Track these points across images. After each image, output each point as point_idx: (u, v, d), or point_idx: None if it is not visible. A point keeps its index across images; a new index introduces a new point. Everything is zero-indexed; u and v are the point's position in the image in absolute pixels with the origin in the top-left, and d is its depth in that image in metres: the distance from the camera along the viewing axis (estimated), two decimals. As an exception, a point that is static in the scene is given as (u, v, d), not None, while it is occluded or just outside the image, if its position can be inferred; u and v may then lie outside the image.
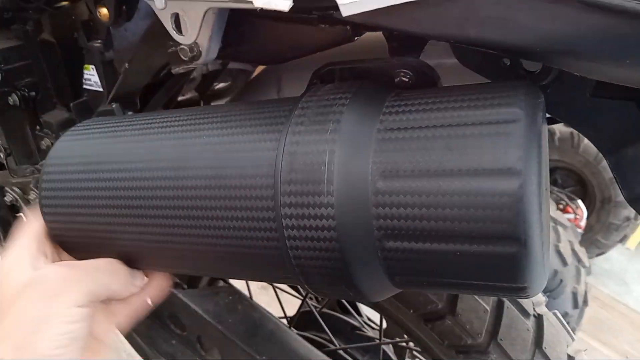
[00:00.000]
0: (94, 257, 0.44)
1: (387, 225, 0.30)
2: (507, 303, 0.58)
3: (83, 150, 0.44)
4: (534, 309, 0.60)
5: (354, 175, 0.30)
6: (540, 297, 0.61)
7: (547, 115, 0.39)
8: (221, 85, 0.91)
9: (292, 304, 1.04)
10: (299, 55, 0.42)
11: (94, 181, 0.41)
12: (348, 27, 0.38)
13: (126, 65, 0.53)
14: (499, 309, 0.57)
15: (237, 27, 0.43)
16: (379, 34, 0.40)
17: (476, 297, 0.57)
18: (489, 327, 0.57)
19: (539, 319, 0.59)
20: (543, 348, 0.58)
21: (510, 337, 0.57)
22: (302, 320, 0.93)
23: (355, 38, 0.39)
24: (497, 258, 0.27)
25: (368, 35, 0.53)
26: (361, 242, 0.31)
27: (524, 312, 0.58)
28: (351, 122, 0.31)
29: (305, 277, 0.34)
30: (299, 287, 1.06)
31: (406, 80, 0.37)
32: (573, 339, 0.63)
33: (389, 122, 0.31)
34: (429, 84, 0.37)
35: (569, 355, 0.60)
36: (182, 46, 0.42)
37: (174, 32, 0.40)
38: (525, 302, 0.59)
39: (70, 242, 0.45)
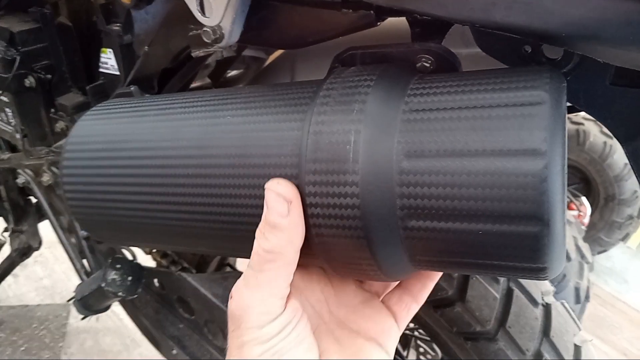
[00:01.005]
0: (115, 234, 0.45)
1: (410, 205, 0.30)
2: (516, 291, 0.58)
3: (105, 129, 0.44)
4: (542, 298, 0.61)
5: (379, 155, 0.31)
6: (549, 287, 0.62)
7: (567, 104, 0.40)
8: (234, 72, 0.91)
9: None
10: (321, 39, 0.43)
11: (116, 159, 0.41)
12: (372, 11, 0.38)
13: (146, 48, 0.53)
14: (508, 296, 0.58)
15: (260, 11, 0.43)
16: (400, 20, 0.41)
17: (486, 284, 0.58)
18: (498, 315, 0.58)
19: (547, 308, 0.60)
20: (550, 337, 0.58)
21: (518, 325, 0.58)
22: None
23: (378, 23, 0.40)
24: (519, 238, 0.28)
25: (388, 21, 0.53)
26: (385, 221, 0.31)
27: (533, 301, 0.59)
28: (377, 103, 0.32)
29: (327, 256, 0.34)
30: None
31: (427, 65, 0.38)
32: (580, 329, 0.64)
33: (414, 103, 0.32)
34: (450, 70, 0.37)
35: (575, 345, 0.61)
36: (205, 28, 0.42)
37: (199, 13, 0.40)
38: (534, 291, 0.60)
39: (91, 220, 0.46)
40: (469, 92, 0.31)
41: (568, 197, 2.38)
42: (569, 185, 2.65)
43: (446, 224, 0.30)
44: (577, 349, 0.61)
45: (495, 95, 0.29)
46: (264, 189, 0.34)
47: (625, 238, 2.80)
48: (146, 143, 0.41)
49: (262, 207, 0.35)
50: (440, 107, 0.31)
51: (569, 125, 2.53)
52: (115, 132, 0.43)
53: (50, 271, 1.83)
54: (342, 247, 0.33)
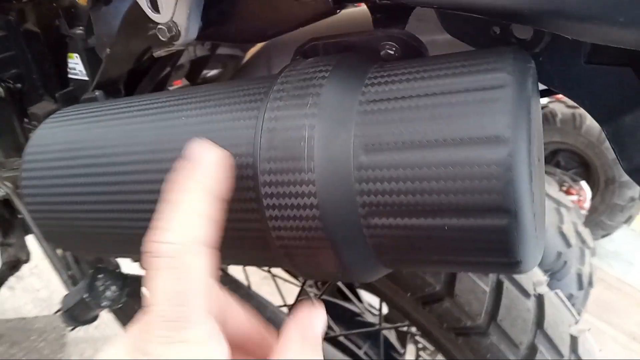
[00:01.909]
0: (80, 245, 0.43)
1: (371, 201, 0.28)
2: (506, 283, 0.57)
3: (62, 136, 0.42)
4: (534, 288, 0.59)
5: (336, 150, 0.29)
6: (541, 277, 0.60)
7: (542, 87, 0.38)
8: (213, 72, 0.89)
9: (294, 293, 1.03)
10: (281, 31, 0.41)
11: (74, 168, 0.40)
12: (330, -1, 0.36)
13: (108, 50, 0.51)
14: (498, 289, 0.56)
15: (217, 5, 0.41)
16: (365, 9, 0.39)
17: (474, 277, 0.56)
18: (488, 308, 0.56)
19: (539, 298, 0.58)
20: (544, 328, 0.57)
21: (510, 317, 0.56)
22: (302, 308, 0.92)
23: (338, 11, 0.37)
24: (487, 232, 0.26)
25: (354, 10, 0.51)
26: (346, 220, 0.29)
27: (524, 292, 0.57)
28: (332, 95, 0.30)
29: (291, 259, 0.32)
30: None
31: (392, 52, 0.36)
32: (576, 319, 0.62)
33: (371, 93, 0.30)
34: (416, 56, 0.35)
35: (571, 335, 0.59)
36: (160, 26, 0.40)
37: (150, 10, 0.38)
38: (526, 282, 0.58)
39: (54, 232, 0.44)
40: (428, 78, 0.29)
41: (567, 182, 2.36)
42: (567, 170, 2.63)
43: (410, 220, 0.28)
44: (574, 339, 0.59)
45: (456, 81, 0.27)
46: None
47: (628, 220, 2.78)
48: (102, 149, 0.39)
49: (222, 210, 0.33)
50: (398, 96, 0.28)
51: (563, 110, 2.51)
52: (72, 139, 0.41)
53: (47, 282, 1.82)
54: (305, 249, 0.31)
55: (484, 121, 0.25)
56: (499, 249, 0.27)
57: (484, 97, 0.26)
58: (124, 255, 0.44)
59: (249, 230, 0.33)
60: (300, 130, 0.29)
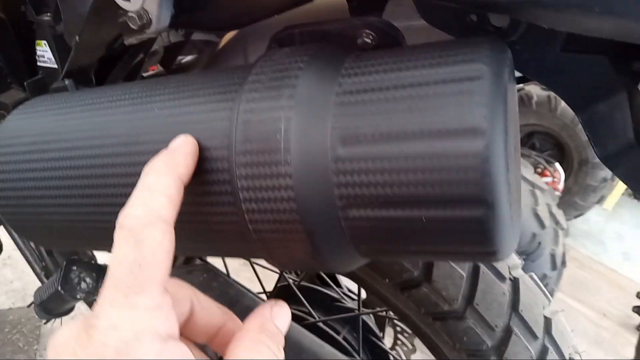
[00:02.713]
0: (50, 238, 0.42)
1: (349, 194, 0.28)
2: (482, 268, 0.57)
3: (31, 128, 0.41)
4: (509, 272, 0.60)
5: (313, 143, 0.28)
6: (516, 260, 0.61)
7: (518, 74, 0.38)
8: (188, 58, 0.87)
9: (273, 279, 1.03)
10: (256, 19, 0.40)
11: (43, 161, 0.38)
12: (304, -15, 0.36)
13: (77, 38, 0.50)
14: (474, 274, 0.57)
15: (190, -9, 0.40)
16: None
17: (452, 263, 0.57)
18: (465, 293, 0.56)
19: (514, 282, 0.59)
20: (519, 311, 0.58)
21: (486, 301, 0.57)
22: (280, 294, 0.92)
23: (314, -2, 0.37)
24: (464, 222, 0.26)
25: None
26: (323, 212, 0.29)
27: (500, 276, 0.58)
28: (308, 86, 0.29)
29: (269, 251, 0.32)
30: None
31: (369, 41, 0.35)
32: (550, 301, 0.63)
33: (348, 84, 0.29)
34: (393, 45, 0.35)
35: (545, 317, 0.60)
36: (130, 14, 0.39)
37: (119, -3, 0.37)
38: (501, 266, 0.59)
39: (23, 225, 0.43)
40: (405, 69, 0.28)
41: (541, 164, 2.40)
42: (542, 151, 2.67)
43: (388, 211, 0.28)
44: (548, 320, 0.61)
45: (433, 72, 0.27)
46: (197, 185, 0.32)
47: (600, 201, 2.85)
48: (73, 142, 0.38)
49: (199, 204, 0.32)
50: (375, 88, 0.28)
51: (539, 92, 2.54)
52: (41, 131, 0.40)
53: (21, 273, 1.78)
54: (282, 242, 0.31)
55: (460, 113, 0.25)
56: (476, 239, 0.27)
57: (460, 88, 0.26)
58: (97, 248, 0.43)
59: (227, 223, 0.32)
60: (276, 122, 0.29)
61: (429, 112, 0.26)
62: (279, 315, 0.32)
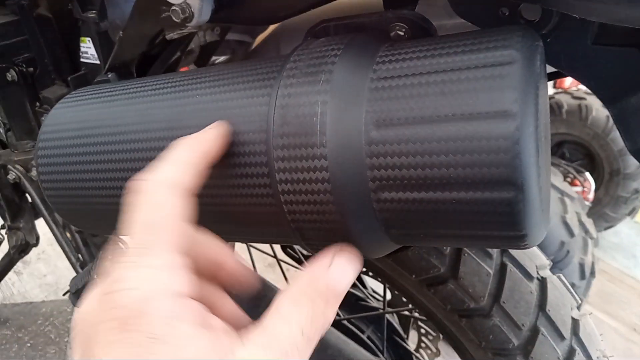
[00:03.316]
0: (96, 224, 0.44)
1: (381, 176, 0.29)
2: (510, 266, 0.57)
3: (77, 116, 0.43)
4: (537, 272, 0.59)
5: (347, 126, 0.30)
6: (544, 260, 0.61)
7: (550, 70, 0.38)
8: (221, 58, 0.90)
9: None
10: (293, 13, 0.41)
11: (89, 146, 0.41)
12: (341, -20, 0.37)
13: (120, 33, 0.52)
14: (501, 271, 0.57)
15: (230, -13, 0.42)
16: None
17: (478, 259, 0.57)
18: (492, 290, 0.56)
19: (542, 282, 0.59)
20: (547, 310, 0.57)
21: (513, 299, 0.57)
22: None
23: (349, -8, 0.38)
24: (494, 204, 0.27)
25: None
26: (356, 194, 0.30)
27: (527, 275, 0.58)
28: (343, 73, 0.31)
29: (301, 233, 0.33)
30: (303, 260, 1.06)
31: (402, 34, 0.37)
32: (578, 303, 0.63)
33: (382, 71, 0.30)
34: (425, 37, 0.36)
35: (573, 318, 0.60)
36: (173, 7, 0.41)
37: (164, -9, 0.39)
38: (529, 265, 0.59)
39: (69, 210, 0.45)
40: (438, 56, 0.29)
41: (571, 173, 2.36)
42: (572, 161, 2.62)
43: (419, 194, 0.29)
44: (575, 322, 0.60)
45: (465, 58, 0.28)
46: (234, 167, 0.33)
47: (631, 213, 2.77)
48: (117, 127, 0.40)
49: (235, 186, 0.34)
50: (408, 73, 0.29)
51: (569, 101, 2.51)
52: (87, 118, 0.42)
53: (54, 267, 1.84)
54: (315, 222, 0.32)
55: (492, 96, 0.26)
56: (506, 222, 0.27)
57: (492, 73, 0.27)
58: None
59: (262, 205, 0.34)
60: (312, 106, 0.30)
61: (461, 95, 0.27)
62: (338, 267, 0.30)
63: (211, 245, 0.35)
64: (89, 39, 0.63)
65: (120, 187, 0.39)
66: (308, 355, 0.28)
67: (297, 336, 0.27)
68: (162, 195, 0.28)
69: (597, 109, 2.43)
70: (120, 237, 0.28)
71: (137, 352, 0.24)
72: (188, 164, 0.30)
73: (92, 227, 0.49)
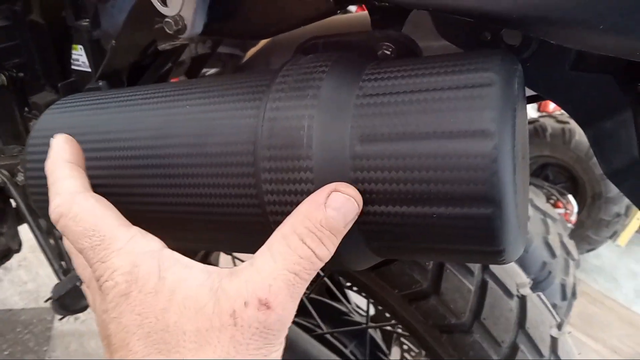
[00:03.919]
0: None
1: (364, 189, 0.30)
2: (490, 283, 0.58)
3: (68, 122, 0.44)
4: (517, 289, 0.61)
5: (333, 140, 0.30)
6: (524, 279, 0.62)
7: (530, 93, 0.40)
8: (212, 71, 0.91)
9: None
10: (284, 29, 0.43)
11: None
12: (331, -1, 0.38)
13: (113, 42, 0.53)
14: (482, 288, 0.58)
15: (223, 1, 0.43)
16: (361, 15, 0.41)
17: (460, 276, 0.58)
18: (473, 307, 0.57)
19: (522, 299, 0.60)
20: (526, 328, 0.58)
21: (493, 316, 0.57)
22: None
23: (339, 11, 0.39)
24: (472, 220, 0.28)
25: (353, 14, 0.53)
26: None
27: (508, 292, 0.59)
28: (331, 88, 0.32)
29: None
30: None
31: (388, 53, 0.38)
32: (557, 321, 0.64)
33: (368, 88, 0.31)
34: (411, 57, 0.37)
35: (552, 337, 0.61)
36: (167, 19, 0.42)
37: (158, 3, 0.40)
38: (509, 283, 0.60)
39: None
40: (421, 75, 0.30)
41: (554, 195, 2.40)
42: (555, 184, 2.66)
43: (400, 207, 0.29)
44: (554, 340, 0.61)
45: (447, 78, 0.29)
46: (222, 177, 0.34)
47: (613, 236, 2.82)
48: (108, 134, 0.40)
49: (222, 195, 0.34)
50: (393, 91, 0.30)
51: (553, 124, 2.55)
52: (78, 124, 0.43)
53: (35, 275, 1.81)
54: None
55: (471, 116, 0.27)
56: (484, 237, 0.28)
57: (472, 93, 0.28)
58: None
59: (248, 215, 0.34)
60: (300, 120, 0.31)
61: (442, 114, 0.28)
62: (335, 204, 0.29)
63: None
64: (81, 46, 0.64)
65: (109, 193, 0.40)
66: (298, 292, 0.29)
67: (281, 271, 0.28)
68: (79, 202, 0.34)
69: (581, 133, 2.48)
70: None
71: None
72: (70, 177, 0.36)
73: None
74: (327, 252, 0.29)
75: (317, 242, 0.29)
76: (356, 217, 0.30)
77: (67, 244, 0.37)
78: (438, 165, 0.28)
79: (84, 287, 0.35)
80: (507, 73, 0.29)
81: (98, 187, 0.40)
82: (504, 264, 0.32)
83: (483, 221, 0.28)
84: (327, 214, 0.29)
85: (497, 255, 0.30)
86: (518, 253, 0.32)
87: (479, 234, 0.28)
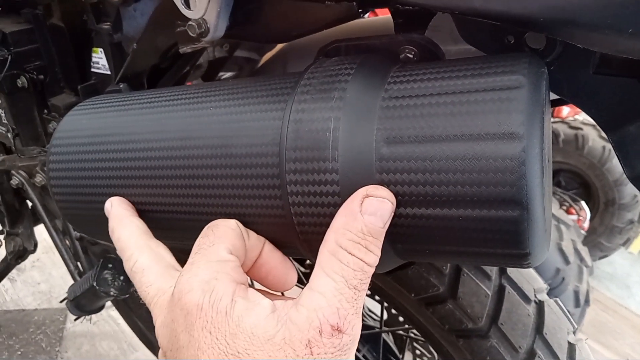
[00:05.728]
0: (105, 231, 0.45)
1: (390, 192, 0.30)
2: (508, 288, 0.58)
3: (91, 123, 0.44)
4: (535, 295, 0.60)
5: (359, 142, 0.31)
6: (542, 284, 0.62)
7: (552, 97, 0.39)
8: (228, 74, 0.91)
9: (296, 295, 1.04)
10: (305, 33, 0.43)
11: (102, 153, 0.41)
12: (354, 2, 0.38)
13: (134, 45, 0.53)
14: (500, 293, 0.58)
15: (245, 5, 0.43)
16: (388, 16, 0.41)
17: (477, 280, 0.57)
18: (490, 312, 0.57)
19: (540, 305, 0.60)
20: (544, 334, 0.58)
21: (511, 321, 0.57)
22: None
23: (362, 15, 0.40)
24: (499, 222, 0.28)
25: (374, 18, 0.53)
26: None
27: (525, 298, 0.59)
28: (356, 91, 0.32)
29: (309, 245, 0.34)
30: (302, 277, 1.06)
31: (411, 56, 0.38)
32: (574, 327, 0.63)
33: (394, 90, 0.32)
34: (433, 60, 0.37)
35: (569, 343, 0.60)
36: (190, 22, 0.42)
37: (183, 6, 0.41)
38: (527, 288, 0.60)
39: (78, 217, 0.46)
40: (448, 78, 0.31)
41: (567, 201, 2.38)
42: (568, 190, 2.64)
43: (426, 210, 0.30)
44: (571, 346, 0.60)
45: (474, 81, 0.29)
46: (246, 179, 0.34)
47: (626, 243, 2.79)
48: (131, 136, 0.40)
49: (246, 196, 0.35)
50: (419, 94, 0.30)
51: (566, 130, 2.54)
52: (101, 126, 0.43)
53: (48, 276, 1.83)
54: (323, 235, 0.32)
55: (500, 118, 0.27)
56: (510, 240, 0.28)
57: (500, 96, 0.28)
58: None
59: (272, 217, 0.34)
60: (326, 122, 0.31)
61: (470, 116, 0.28)
62: (370, 209, 0.29)
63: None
64: (101, 49, 0.64)
65: (132, 195, 0.40)
66: (360, 305, 0.29)
67: (344, 288, 0.28)
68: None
69: (594, 139, 2.46)
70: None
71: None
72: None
73: (99, 233, 0.49)
74: (374, 257, 0.29)
75: (364, 250, 0.29)
76: (392, 214, 0.30)
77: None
78: (465, 168, 0.28)
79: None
80: (535, 76, 0.29)
81: (122, 188, 0.41)
82: (529, 267, 0.32)
83: (510, 224, 0.27)
84: (365, 220, 0.29)
85: (523, 258, 0.30)
86: (543, 257, 0.32)
87: (505, 236, 0.28)
